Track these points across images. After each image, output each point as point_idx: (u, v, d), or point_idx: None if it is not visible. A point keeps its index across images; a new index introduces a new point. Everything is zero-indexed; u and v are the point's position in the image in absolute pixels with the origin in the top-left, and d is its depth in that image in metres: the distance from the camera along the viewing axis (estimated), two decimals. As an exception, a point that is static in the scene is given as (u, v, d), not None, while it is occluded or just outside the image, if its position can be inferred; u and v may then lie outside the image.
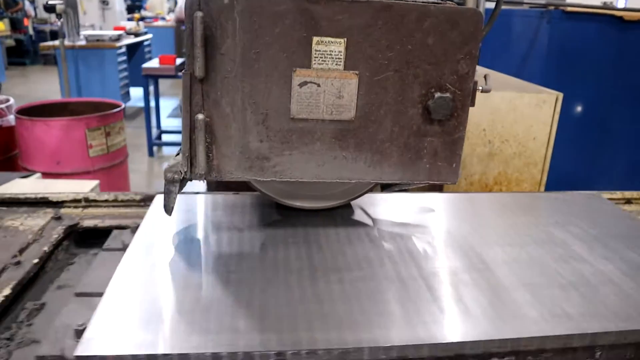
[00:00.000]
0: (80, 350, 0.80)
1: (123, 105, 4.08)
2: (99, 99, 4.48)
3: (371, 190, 1.31)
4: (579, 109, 3.24)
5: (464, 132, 1.13)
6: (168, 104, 9.14)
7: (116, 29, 8.55)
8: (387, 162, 1.11)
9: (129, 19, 10.81)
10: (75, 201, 1.41)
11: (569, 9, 3.08)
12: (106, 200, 1.44)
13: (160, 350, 0.81)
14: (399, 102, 1.07)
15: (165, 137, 7.15)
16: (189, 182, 1.14)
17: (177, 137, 7.15)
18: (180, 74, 6.05)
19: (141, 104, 7.91)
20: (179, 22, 9.83)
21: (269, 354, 0.82)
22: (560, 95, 2.10)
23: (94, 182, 2.16)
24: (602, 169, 3.38)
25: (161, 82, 7.16)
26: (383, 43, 1.02)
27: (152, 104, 6.69)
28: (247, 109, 1.03)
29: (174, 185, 1.09)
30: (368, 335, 0.86)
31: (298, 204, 1.29)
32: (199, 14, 0.94)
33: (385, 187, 1.32)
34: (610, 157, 3.36)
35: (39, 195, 1.40)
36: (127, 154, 4.14)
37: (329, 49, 1.01)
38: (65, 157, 3.64)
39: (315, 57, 1.01)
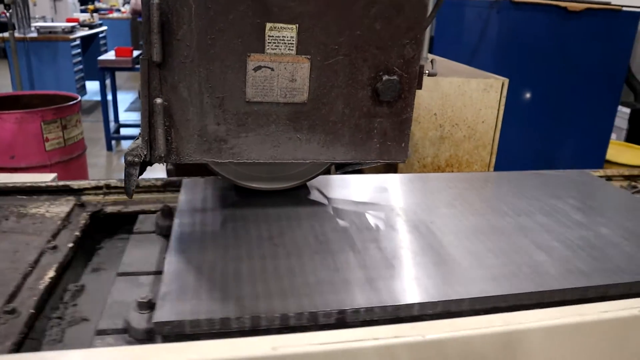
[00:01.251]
0: (158, 317, 0.85)
1: (79, 98, 4.01)
2: (53, 91, 4.37)
3: (327, 171, 1.37)
4: (527, 94, 3.38)
5: (411, 112, 1.19)
6: (126, 98, 8.97)
7: (69, 20, 8.32)
8: (340, 143, 1.17)
9: (83, 11, 10.52)
10: (97, 188, 1.43)
11: (517, -1, 3.21)
12: None
13: (231, 314, 0.87)
14: (349, 85, 1.13)
15: (124, 131, 7.03)
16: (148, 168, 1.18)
17: (136, 131, 7.04)
18: (137, 66, 6.02)
19: (97, 97, 7.75)
20: (135, 13, 9.59)
21: (332, 312, 0.90)
22: (506, 81, 2.21)
23: (51, 175, 2.14)
24: (549, 151, 3.54)
25: (118, 75, 7.03)
26: (333, 29, 1.07)
27: (109, 97, 6.56)
28: (204, 93, 1.07)
29: (134, 168, 1.12)
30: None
31: (255, 185, 1.33)
32: (156, 0, 0.97)
33: (340, 168, 1.38)
34: (557, 141, 3.53)
35: (60, 183, 1.42)
36: (85, 147, 4.07)
37: (282, 35, 1.06)
38: (20, 151, 3.56)
39: (268, 43, 1.06)
